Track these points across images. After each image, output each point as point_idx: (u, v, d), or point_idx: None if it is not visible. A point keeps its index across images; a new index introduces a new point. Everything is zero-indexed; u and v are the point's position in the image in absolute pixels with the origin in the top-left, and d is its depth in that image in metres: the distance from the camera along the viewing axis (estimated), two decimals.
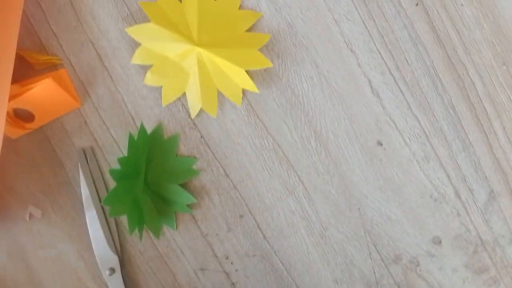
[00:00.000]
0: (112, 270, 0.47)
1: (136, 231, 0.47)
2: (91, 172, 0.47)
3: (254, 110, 0.47)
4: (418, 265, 0.48)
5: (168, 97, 0.46)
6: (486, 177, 0.47)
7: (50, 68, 0.46)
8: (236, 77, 0.45)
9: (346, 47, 0.46)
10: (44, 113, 0.45)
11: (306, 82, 0.46)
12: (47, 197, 0.48)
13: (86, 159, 0.47)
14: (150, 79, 0.46)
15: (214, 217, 0.48)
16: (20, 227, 0.48)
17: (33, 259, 0.48)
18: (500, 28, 0.46)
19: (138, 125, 0.47)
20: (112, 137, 0.47)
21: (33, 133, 0.47)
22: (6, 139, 0.46)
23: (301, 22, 0.46)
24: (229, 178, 0.48)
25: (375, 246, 0.48)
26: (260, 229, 0.48)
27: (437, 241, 0.48)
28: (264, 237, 0.48)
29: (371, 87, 0.46)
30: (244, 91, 0.46)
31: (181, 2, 0.45)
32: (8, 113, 0.45)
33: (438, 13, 0.45)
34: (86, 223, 0.47)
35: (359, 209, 0.48)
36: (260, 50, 0.45)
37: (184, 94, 0.46)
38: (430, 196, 0.47)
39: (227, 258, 0.48)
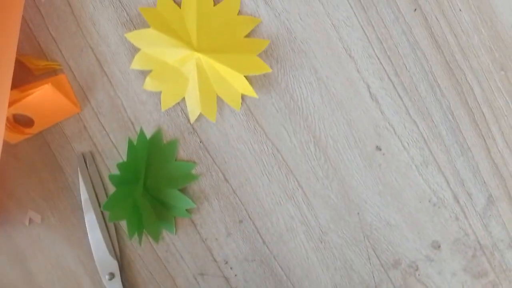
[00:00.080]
0: (112, 275, 0.47)
1: (136, 236, 0.47)
2: (90, 177, 0.47)
3: (253, 115, 0.47)
4: (417, 269, 0.48)
5: (168, 102, 0.46)
6: (484, 182, 0.47)
7: (50, 73, 0.46)
8: (235, 82, 0.45)
9: (345, 52, 0.46)
10: (43, 118, 0.45)
11: (305, 87, 0.46)
12: (47, 202, 0.48)
13: (86, 164, 0.47)
14: (149, 84, 0.46)
15: (213, 221, 0.48)
16: (19, 232, 0.48)
17: (32, 264, 0.49)
18: (498, 34, 0.46)
19: (138, 130, 0.47)
20: (112, 142, 0.47)
21: (33, 138, 0.47)
22: (5, 144, 0.46)
23: (300, 28, 0.46)
24: (228, 183, 0.48)
25: (374, 251, 0.48)
26: (259, 234, 0.48)
27: (436, 246, 0.48)
28: (264, 242, 0.48)
29: (370, 92, 0.46)
30: (243, 96, 0.46)
31: (180, 8, 0.45)
32: (7, 119, 0.45)
33: (437, 19, 0.45)
34: (86, 228, 0.47)
35: (358, 214, 0.48)
36: (259, 55, 0.45)
37: (184, 99, 0.46)
38: (429, 201, 0.47)
39: (226, 263, 0.48)
